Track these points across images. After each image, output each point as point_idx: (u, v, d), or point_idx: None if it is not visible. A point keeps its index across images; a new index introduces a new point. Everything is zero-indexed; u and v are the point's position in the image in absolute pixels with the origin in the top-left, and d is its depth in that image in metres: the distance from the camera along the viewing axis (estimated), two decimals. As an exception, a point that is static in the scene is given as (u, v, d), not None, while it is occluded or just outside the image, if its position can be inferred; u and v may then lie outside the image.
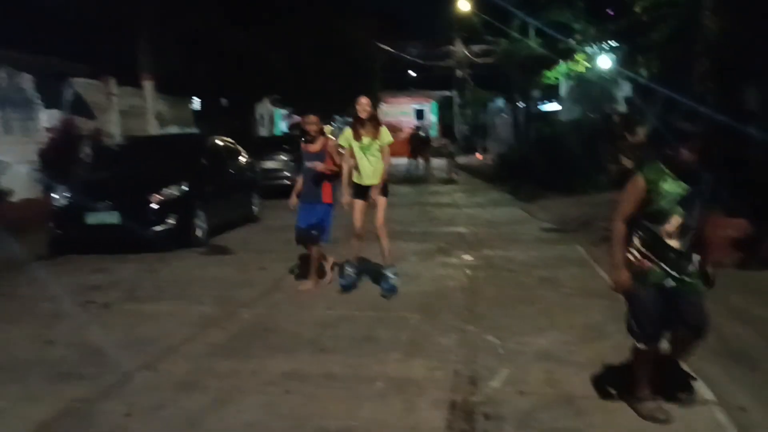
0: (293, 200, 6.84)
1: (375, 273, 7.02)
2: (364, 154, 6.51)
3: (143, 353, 4.97)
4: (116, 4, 14.01)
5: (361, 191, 6.60)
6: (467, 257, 8.52)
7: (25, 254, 8.89)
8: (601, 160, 16.20)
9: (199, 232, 9.69)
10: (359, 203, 6.62)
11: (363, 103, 6.48)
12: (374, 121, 6.57)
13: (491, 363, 4.60)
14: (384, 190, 6.58)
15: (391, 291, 6.53)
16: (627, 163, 14.81)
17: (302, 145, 6.87)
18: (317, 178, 6.60)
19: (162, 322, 5.86)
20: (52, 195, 9.76)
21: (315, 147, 6.66)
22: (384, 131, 6.56)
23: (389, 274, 6.61)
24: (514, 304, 6.17)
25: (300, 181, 6.81)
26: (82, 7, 13.42)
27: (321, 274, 7.01)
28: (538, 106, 25.26)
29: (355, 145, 6.53)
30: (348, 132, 6.63)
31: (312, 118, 6.67)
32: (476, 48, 36.14)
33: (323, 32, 20.65)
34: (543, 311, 5.91)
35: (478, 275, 7.51)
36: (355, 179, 6.62)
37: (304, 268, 7.23)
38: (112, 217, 9.08)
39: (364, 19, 26.82)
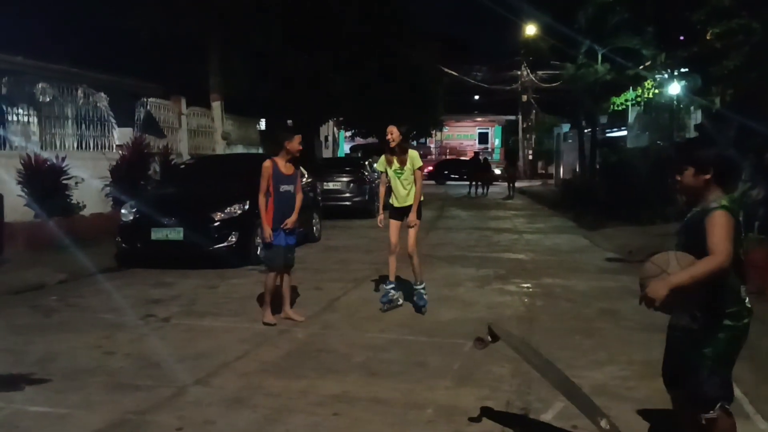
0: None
1: (409, 291, 7.18)
2: (397, 178, 6.91)
3: (198, 368, 5.06)
4: (188, 28, 14.54)
5: (397, 212, 7.00)
6: (525, 285, 8.36)
7: (94, 266, 9.23)
8: (668, 189, 15.70)
9: (258, 251, 9.84)
10: (395, 223, 7.00)
11: (389, 131, 6.86)
12: (401, 148, 6.87)
13: (545, 395, 4.46)
14: (418, 213, 6.89)
15: (424, 306, 6.87)
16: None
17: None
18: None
19: (218, 337, 5.96)
20: (121, 210, 10.11)
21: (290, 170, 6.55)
22: (413, 156, 6.92)
23: (421, 290, 6.93)
24: (572, 336, 6.00)
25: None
26: (156, 30, 14.00)
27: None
28: (605, 132, 24.79)
29: (389, 170, 6.96)
30: (382, 158, 7.09)
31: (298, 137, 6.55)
32: (542, 73, 35.95)
33: (388, 56, 20.84)
34: (601, 344, 5.73)
35: (535, 304, 7.36)
36: (391, 201, 7.05)
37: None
38: (176, 234, 9.35)
39: (429, 43, 26.94)
